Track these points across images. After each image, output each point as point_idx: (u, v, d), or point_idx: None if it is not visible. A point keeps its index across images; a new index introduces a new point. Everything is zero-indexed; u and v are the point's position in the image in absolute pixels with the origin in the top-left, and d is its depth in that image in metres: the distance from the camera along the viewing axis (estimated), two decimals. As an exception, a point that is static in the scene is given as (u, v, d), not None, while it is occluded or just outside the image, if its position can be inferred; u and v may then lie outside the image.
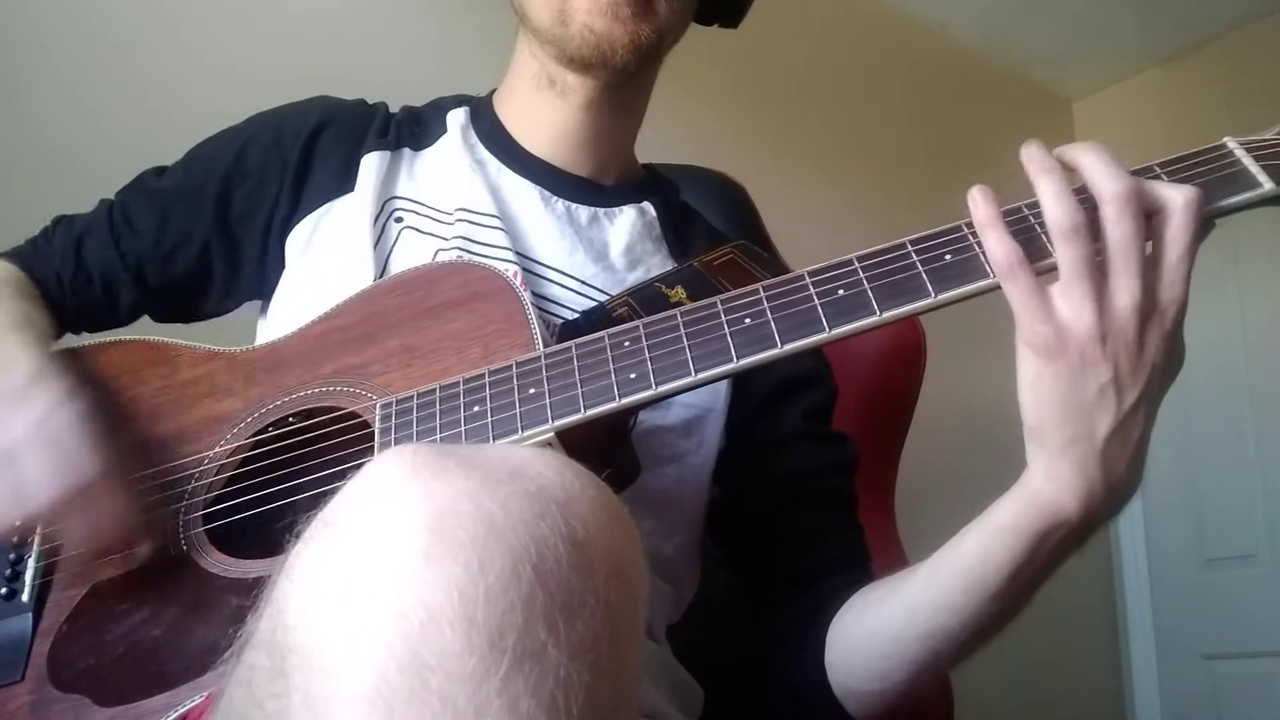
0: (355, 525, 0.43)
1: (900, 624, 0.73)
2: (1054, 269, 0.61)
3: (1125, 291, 0.59)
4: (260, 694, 0.42)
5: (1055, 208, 0.60)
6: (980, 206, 0.63)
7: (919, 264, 0.64)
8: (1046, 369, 0.61)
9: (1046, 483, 0.63)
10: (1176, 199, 0.61)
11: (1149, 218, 0.61)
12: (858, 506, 0.91)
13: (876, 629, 0.75)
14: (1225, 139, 0.66)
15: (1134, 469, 0.63)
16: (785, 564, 0.87)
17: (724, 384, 0.88)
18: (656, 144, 1.04)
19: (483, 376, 0.69)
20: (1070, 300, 0.60)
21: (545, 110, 0.91)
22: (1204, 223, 0.62)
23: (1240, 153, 0.65)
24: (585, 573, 0.42)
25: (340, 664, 0.39)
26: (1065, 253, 0.60)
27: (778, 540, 0.88)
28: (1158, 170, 0.65)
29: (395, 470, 0.44)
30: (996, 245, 0.61)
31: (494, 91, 0.99)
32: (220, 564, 0.70)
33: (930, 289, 0.63)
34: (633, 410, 0.68)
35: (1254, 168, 0.64)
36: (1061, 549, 0.65)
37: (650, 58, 0.87)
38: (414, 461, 0.44)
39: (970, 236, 0.64)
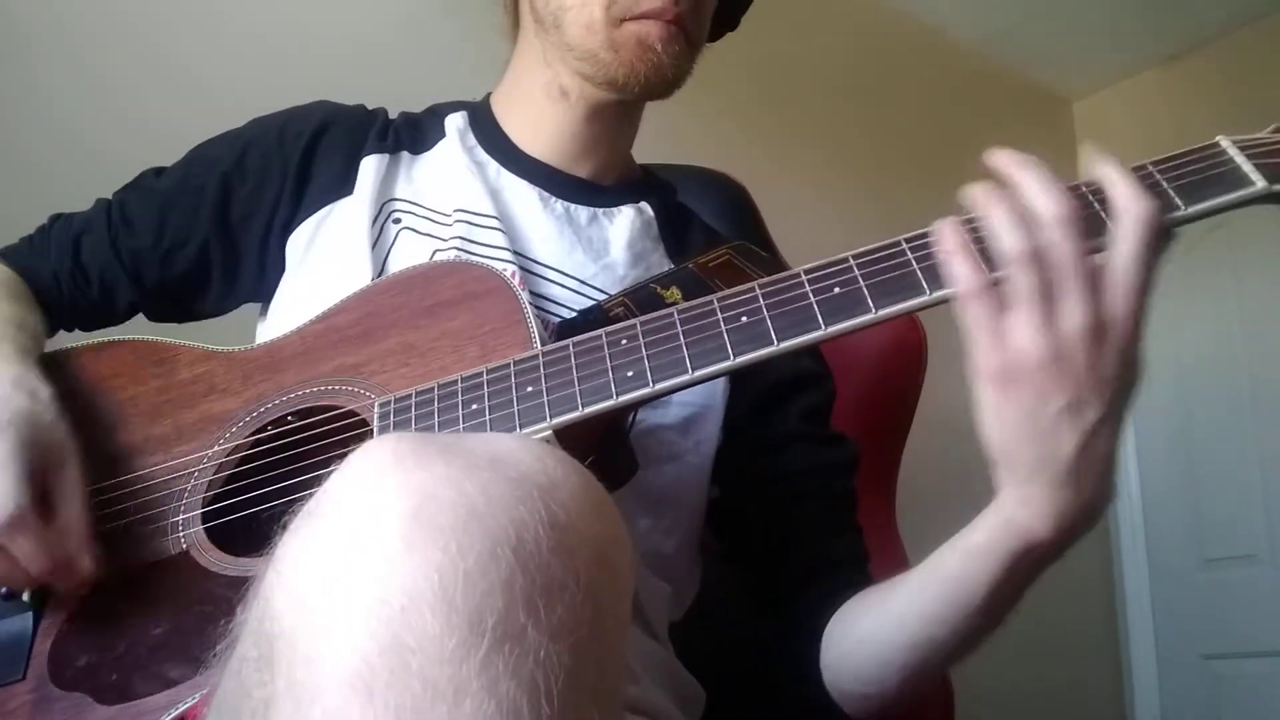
0: (338, 514, 0.44)
1: (890, 632, 0.74)
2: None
3: (1073, 314, 0.59)
4: (249, 683, 0.43)
5: (1008, 236, 0.60)
6: (947, 237, 0.62)
7: (914, 261, 0.64)
8: (1005, 398, 0.60)
9: (1018, 508, 0.63)
10: (1127, 212, 0.60)
11: (1105, 230, 0.61)
12: (857, 507, 0.91)
13: (868, 635, 0.76)
14: (1219, 137, 0.66)
15: (1103, 484, 0.62)
16: (787, 563, 0.87)
17: (721, 381, 0.88)
18: (658, 144, 1.04)
19: (480, 375, 0.69)
20: (1021, 328, 0.59)
21: (550, 116, 0.92)
22: (1160, 234, 0.60)
23: (1233, 151, 0.65)
24: (565, 556, 0.42)
25: (323, 650, 0.40)
26: (1017, 280, 0.59)
27: (779, 540, 0.88)
28: (1151, 169, 0.65)
29: (378, 459, 0.45)
30: (961, 273, 0.61)
31: (490, 95, 0.99)
32: (220, 562, 0.71)
33: (925, 286, 0.63)
34: (631, 408, 0.68)
35: (1246, 166, 0.64)
36: (1038, 566, 0.65)
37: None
38: (396, 450, 0.45)
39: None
